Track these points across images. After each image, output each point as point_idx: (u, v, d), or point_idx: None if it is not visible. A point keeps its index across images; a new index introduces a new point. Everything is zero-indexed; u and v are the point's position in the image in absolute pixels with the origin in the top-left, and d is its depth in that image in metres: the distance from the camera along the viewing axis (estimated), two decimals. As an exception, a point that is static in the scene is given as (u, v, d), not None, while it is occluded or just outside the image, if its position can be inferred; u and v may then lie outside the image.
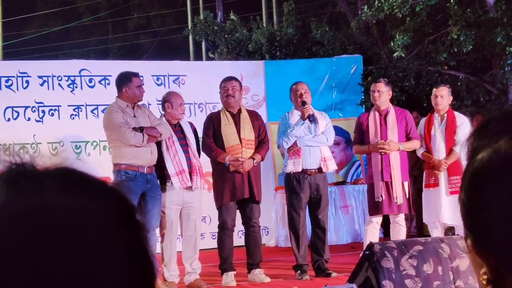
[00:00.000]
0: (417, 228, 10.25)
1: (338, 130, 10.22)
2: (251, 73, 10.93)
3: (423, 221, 8.75)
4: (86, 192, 0.80)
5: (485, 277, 0.90)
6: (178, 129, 8.01)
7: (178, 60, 12.72)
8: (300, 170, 8.12)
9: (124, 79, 7.80)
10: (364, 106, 11.39)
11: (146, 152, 7.61)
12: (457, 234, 7.26)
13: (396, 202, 8.05)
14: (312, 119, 8.17)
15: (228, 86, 8.15)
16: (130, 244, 0.80)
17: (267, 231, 10.81)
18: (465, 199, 0.92)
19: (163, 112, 8.16)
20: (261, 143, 8.15)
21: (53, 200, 0.78)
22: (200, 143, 8.15)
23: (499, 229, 0.87)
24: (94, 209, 0.79)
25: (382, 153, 8.10)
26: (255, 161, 8.01)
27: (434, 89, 8.54)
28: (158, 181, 7.76)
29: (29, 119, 9.81)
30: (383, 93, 8.21)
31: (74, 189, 0.80)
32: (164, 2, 27.42)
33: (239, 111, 8.16)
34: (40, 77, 9.94)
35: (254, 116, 8.29)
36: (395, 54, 11.11)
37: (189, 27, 16.99)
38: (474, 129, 0.96)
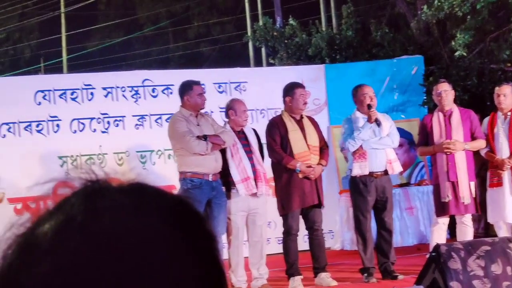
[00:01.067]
0: (484, 228, 10.13)
1: (400, 132, 10.12)
2: (311, 78, 10.93)
3: (488, 221, 8.65)
4: (159, 210, 0.82)
5: None
6: (242, 136, 8.07)
7: (238, 67, 12.79)
8: (366, 173, 8.10)
9: (186, 88, 7.90)
10: (426, 106, 11.30)
11: (210, 160, 7.69)
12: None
13: (463, 202, 7.98)
14: (377, 122, 8.16)
15: (305, 92, 8.20)
16: (204, 257, 0.82)
17: (332, 235, 10.80)
18: None
19: (226, 120, 8.23)
20: (323, 148, 8.16)
21: (128, 220, 0.80)
22: (264, 148, 8.19)
23: None
24: (168, 227, 0.81)
25: (448, 153, 8.04)
26: (323, 167, 8.04)
27: (497, 88, 8.43)
28: (223, 188, 7.84)
29: (94, 130, 9.96)
30: (447, 93, 8.16)
31: (148, 208, 0.82)
32: (223, 9, 27.60)
33: (301, 117, 8.18)
34: (104, 88, 10.09)
35: (314, 122, 8.32)
36: (456, 53, 11.01)
37: (249, 34, 17.09)
38: None
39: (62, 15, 26.79)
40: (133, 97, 10.20)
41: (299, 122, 8.11)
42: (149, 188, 0.84)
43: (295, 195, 7.90)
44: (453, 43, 11.02)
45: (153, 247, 0.79)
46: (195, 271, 0.81)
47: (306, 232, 8.25)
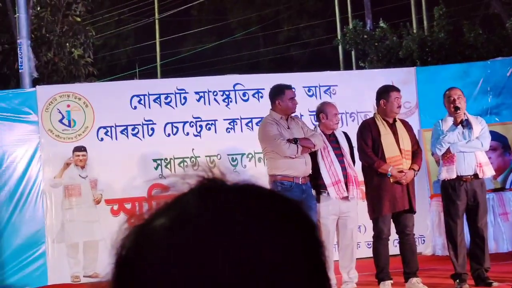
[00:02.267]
0: None
1: (494, 135, 9.94)
2: (402, 80, 10.80)
3: None
4: (274, 212, 0.84)
5: None
6: (332, 139, 8.06)
7: (328, 70, 12.76)
8: (454, 176, 7.96)
9: (277, 92, 7.94)
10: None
11: (300, 163, 7.71)
12: None
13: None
14: (465, 124, 8.00)
15: (399, 96, 8.11)
16: (315, 264, 0.84)
17: (423, 240, 10.65)
18: None
19: (316, 123, 8.23)
20: (415, 153, 8.06)
21: (243, 219, 0.82)
22: (355, 151, 8.15)
23: None
24: (283, 230, 0.83)
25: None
26: (415, 172, 7.95)
27: None
28: (313, 191, 7.84)
29: (187, 133, 10.17)
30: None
31: (263, 209, 0.84)
32: (313, 13, 27.60)
33: (394, 120, 8.10)
34: (196, 93, 10.28)
35: (407, 125, 8.22)
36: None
37: (339, 37, 17.04)
38: None
39: (157, 22, 27.31)
40: (224, 101, 10.34)
41: (392, 126, 8.03)
42: (263, 190, 0.87)
43: (386, 200, 7.83)
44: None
45: (268, 249, 0.80)
46: (307, 276, 0.82)
47: (397, 236, 8.17)
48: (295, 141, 7.68)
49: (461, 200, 7.96)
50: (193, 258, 0.79)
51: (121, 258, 0.84)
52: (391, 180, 7.84)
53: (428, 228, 10.59)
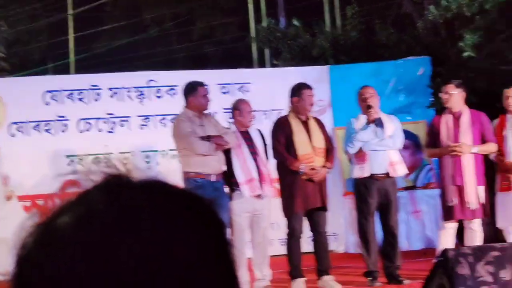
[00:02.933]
0: (493, 233, 10.01)
1: (406, 134, 10.03)
2: (315, 79, 10.83)
3: (496, 226, 8.53)
4: (180, 208, 0.82)
5: None
6: (247, 137, 8.02)
7: (242, 68, 12.74)
8: (367, 175, 8.02)
9: (191, 89, 7.89)
10: (434, 108, 11.19)
11: (213, 160, 7.67)
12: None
13: (469, 207, 7.86)
14: (378, 123, 8.06)
15: (312, 93, 8.11)
16: (221, 261, 0.82)
17: (336, 237, 10.73)
18: None
19: (231, 120, 8.19)
20: (328, 150, 8.09)
21: (149, 215, 0.80)
22: (268, 148, 8.12)
23: None
24: (190, 227, 0.81)
25: (454, 156, 7.92)
26: (328, 170, 7.97)
27: (506, 90, 8.33)
28: (227, 189, 7.81)
29: (100, 130, 10.15)
30: (453, 95, 8.04)
31: (169, 205, 0.82)
32: (227, 11, 27.60)
33: (307, 118, 8.11)
34: (110, 89, 10.26)
35: (321, 123, 8.25)
36: (464, 54, 10.90)
37: (252, 35, 17.02)
38: None
39: (70, 17, 26.92)
40: (138, 98, 10.31)
41: (305, 123, 8.05)
42: (170, 187, 0.85)
43: (298, 197, 7.85)
44: (461, 43, 10.91)
45: (175, 247, 0.80)
46: (214, 273, 0.81)
47: (310, 234, 8.19)
48: (208, 138, 7.62)
49: (373, 198, 8.03)
50: (98, 255, 0.78)
51: (23, 256, 0.82)
52: (304, 177, 7.84)
53: (341, 226, 10.67)
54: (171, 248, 0.79)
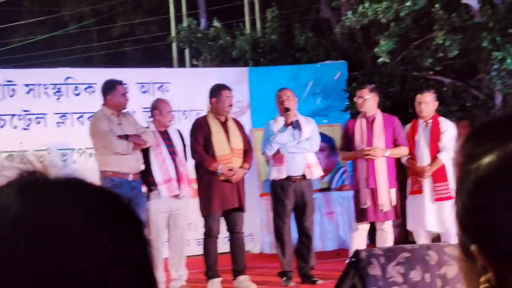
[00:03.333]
0: (403, 235, 10.25)
1: (322, 136, 10.18)
2: (235, 80, 10.90)
3: (407, 228, 8.73)
4: (97, 206, 0.81)
5: (487, 285, 0.89)
6: (166, 137, 8.01)
7: (162, 67, 12.70)
8: (284, 177, 8.12)
9: (109, 87, 7.81)
10: (349, 112, 11.40)
11: (131, 160, 7.62)
12: (444, 241, 7.28)
13: (382, 209, 8.04)
14: (295, 125, 8.17)
15: (230, 94, 8.14)
16: (135, 258, 0.81)
17: (252, 238, 10.80)
18: (469, 204, 0.90)
19: (150, 119, 8.16)
20: (246, 152, 8.15)
21: (65, 212, 0.79)
22: (187, 149, 8.13)
23: (507, 234, 0.86)
24: (102, 222, 0.80)
25: (368, 160, 8.09)
26: (245, 170, 8.03)
27: (418, 95, 8.50)
28: (145, 188, 7.77)
29: (15, 127, 9.88)
30: (367, 99, 8.20)
31: (85, 203, 0.81)
32: (148, 10, 27.42)
33: (226, 119, 8.15)
34: (26, 85, 9.99)
35: (239, 124, 8.30)
36: (379, 60, 11.13)
37: (173, 35, 16.98)
38: (471, 133, 0.94)
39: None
40: (55, 95, 10.10)
41: (224, 124, 8.08)
42: (87, 183, 0.84)
43: (216, 198, 7.88)
44: (376, 49, 11.14)
45: (91, 244, 0.78)
46: (129, 273, 0.80)
47: (227, 234, 8.23)
48: (126, 137, 7.58)
49: (289, 200, 8.13)
50: (8, 251, 0.76)
51: None
52: (221, 178, 7.88)
53: (257, 227, 10.75)
54: (86, 246, 0.78)
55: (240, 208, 8.03)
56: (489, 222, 0.88)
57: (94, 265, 0.77)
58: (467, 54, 11.28)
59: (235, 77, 11.12)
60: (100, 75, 9.50)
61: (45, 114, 9.99)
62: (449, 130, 8.28)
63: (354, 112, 10.31)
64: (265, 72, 11.65)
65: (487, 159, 0.89)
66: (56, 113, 10.04)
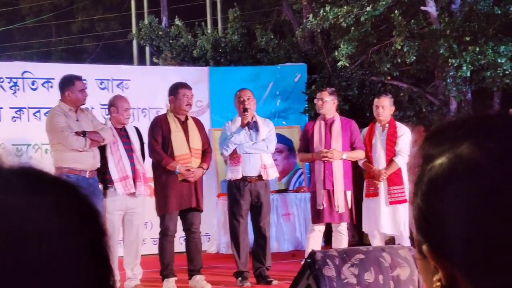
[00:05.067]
0: (358, 237, 10.34)
1: (281, 138, 10.26)
2: (195, 79, 10.90)
3: (363, 230, 8.81)
4: (52, 193, 0.80)
5: (438, 284, 0.90)
6: (123, 134, 7.95)
7: (122, 64, 12.64)
8: (239, 177, 8.13)
9: (67, 83, 7.74)
10: (308, 114, 11.46)
11: (88, 157, 7.56)
12: (398, 244, 7.35)
13: (338, 211, 8.09)
14: (252, 126, 8.18)
15: (189, 93, 8.12)
16: (94, 251, 0.81)
17: (209, 238, 10.80)
18: (422, 205, 0.92)
19: (108, 116, 8.11)
20: (205, 152, 8.14)
21: (19, 199, 0.78)
22: (146, 147, 8.09)
23: (459, 234, 0.87)
24: (59, 211, 0.79)
25: (325, 162, 8.14)
26: (204, 170, 8.02)
27: (376, 99, 8.59)
28: (101, 185, 7.72)
29: (-30, 121, 9.70)
30: (326, 102, 8.25)
31: (41, 190, 0.79)
32: (109, 6, 27.24)
33: (186, 118, 8.13)
34: (-18, 78, 9.82)
35: (199, 124, 8.28)
36: (339, 64, 11.22)
37: (134, 32, 16.91)
38: (428, 136, 0.96)
39: None
40: (11, 89, 9.96)
41: (184, 124, 8.06)
42: (43, 173, 0.82)
43: (173, 197, 7.86)
44: (336, 53, 11.22)
45: (47, 235, 0.77)
46: (85, 264, 0.79)
47: (183, 234, 8.22)
48: (83, 134, 7.52)
49: (245, 200, 8.14)
50: None
51: None
52: (179, 178, 7.86)
53: (214, 227, 10.75)
54: (41, 235, 0.76)
55: (198, 208, 8.02)
56: (439, 223, 0.89)
57: (49, 254, 0.76)
58: (424, 60, 11.42)
59: (196, 76, 11.12)
60: (58, 70, 9.41)
61: (1, 108, 9.85)
62: (405, 135, 8.38)
63: (313, 114, 10.38)
64: (225, 72, 11.66)
65: (439, 161, 0.90)
66: (11, 108, 9.91)
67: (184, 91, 8.06)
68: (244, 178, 8.14)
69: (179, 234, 8.32)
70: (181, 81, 8.69)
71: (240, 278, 8.15)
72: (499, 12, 10.56)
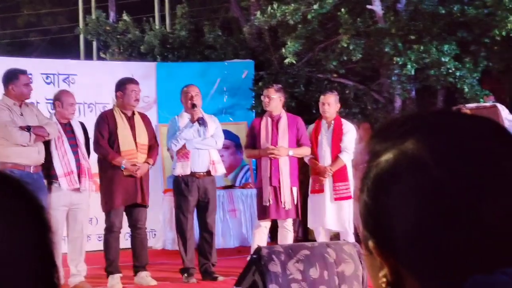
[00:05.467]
0: (303, 233, 10.40)
1: (228, 134, 10.28)
2: (143, 75, 10.85)
3: (308, 226, 8.87)
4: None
5: (384, 279, 0.91)
6: (68, 129, 7.88)
7: (68, 59, 12.51)
8: (188, 173, 8.12)
9: (11, 77, 7.63)
10: (254, 111, 11.49)
11: (32, 152, 7.47)
12: (343, 240, 7.42)
13: (284, 207, 8.13)
14: (201, 122, 8.19)
15: (137, 88, 8.07)
16: (37, 244, 0.81)
17: (155, 234, 10.76)
18: (368, 201, 0.92)
19: (53, 111, 8.03)
20: (152, 147, 8.11)
21: None
22: (91, 142, 8.03)
23: (402, 230, 0.88)
24: (3, 206, 0.80)
25: (272, 158, 8.18)
26: (149, 166, 7.99)
27: (322, 96, 8.66)
28: (45, 181, 7.63)
29: None
30: (273, 99, 8.28)
31: None
32: (56, 0, 26.93)
33: (133, 113, 8.09)
34: None
35: (146, 119, 8.25)
36: (286, 61, 11.27)
37: (81, 26, 16.76)
38: (374, 132, 0.96)
39: None
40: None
41: (130, 119, 8.02)
42: None
43: (119, 193, 7.82)
44: (283, 50, 11.27)
45: None
46: (29, 260, 0.79)
47: (129, 230, 8.18)
48: (28, 128, 7.42)
49: (192, 196, 8.14)
50: None
51: None
52: (125, 173, 7.82)
53: (160, 223, 10.72)
54: None
55: (143, 204, 7.99)
56: (385, 219, 0.90)
57: None
58: (369, 58, 11.54)
59: (143, 72, 11.07)
60: (3, 64, 9.27)
61: None
62: (350, 132, 8.47)
63: (260, 111, 10.42)
64: (173, 68, 11.64)
65: (385, 157, 0.91)
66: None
67: (132, 87, 8.03)
68: (193, 174, 8.14)
69: (125, 230, 8.28)
70: (128, 76, 8.64)
71: (186, 274, 8.14)
72: (444, 11, 10.72)
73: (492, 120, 0.92)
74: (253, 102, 11.56)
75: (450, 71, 10.64)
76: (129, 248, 8.21)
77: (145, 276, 7.97)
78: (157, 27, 14.80)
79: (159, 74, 11.34)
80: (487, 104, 10.37)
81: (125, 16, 14.37)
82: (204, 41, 13.35)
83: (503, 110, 9.79)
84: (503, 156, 0.88)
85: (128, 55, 13.71)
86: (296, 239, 8.57)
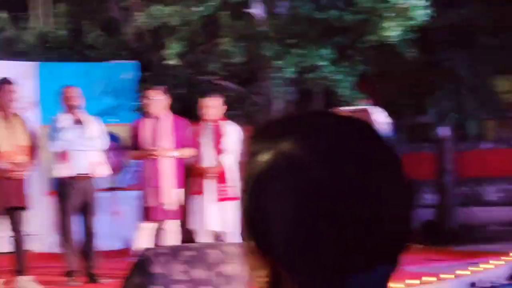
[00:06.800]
0: (188, 234, 10.46)
1: (111, 136, 10.23)
2: (23, 75, 10.65)
3: (188, 227, 8.95)
4: None
5: (265, 279, 0.92)
6: None
7: None
8: (68, 174, 8.07)
9: None
10: (139, 112, 11.46)
11: None
12: (227, 241, 7.57)
13: (167, 209, 8.19)
14: (81, 123, 8.15)
15: (13, 89, 7.94)
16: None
17: (38, 237, 10.58)
18: (248, 201, 0.93)
19: None
20: (32, 148, 8.03)
21: None
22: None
23: (280, 231, 0.88)
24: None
25: (154, 159, 8.21)
26: (29, 167, 7.90)
27: (201, 99, 8.73)
28: None
29: None
30: (154, 100, 8.34)
31: None
32: None
33: (11, 114, 7.98)
34: None
35: (25, 121, 8.15)
36: (167, 62, 11.30)
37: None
38: (253, 133, 0.97)
39: None
40: None
41: (8, 120, 7.91)
42: None
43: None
44: (165, 51, 11.31)
45: None
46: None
47: (10, 233, 8.06)
48: None
49: (74, 198, 8.09)
50: None
51: None
52: (3, 175, 7.72)
53: (43, 225, 10.55)
54: None
55: (23, 207, 7.89)
56: (263, 219, 0.90)
57: None
58: (250, 61, 11.70)
59: (24, 72, 10.86)
60: None
61: None
62: (232, 133, 8.60)
63: (144, 112, 10.42)
64: (55, 68, 11.46)
65: (263, 157, 0.91)
66: None
67: (8, 87, 7.93)
68: (73, 176, 8.10)
69: (7, 234, 8.15)
70: (8, 76, 8.52)
71: (69, 277, 8.10)
72: (320, 17, 10.97)
73: (366, 122, 0.94)
74: (138, 103, 11.54)
75: (328, 75, 10.90)
76: (11, 252, 8.07)
77: (28, 280, 7.88)
78: (35, 25, 14.51)
79: (42, 75, 11.16)
80: (360, 107, 10.73)
81: (1, 13, 14.03)
82: (84, 41, 13.21)
83: (374, 113, 10.17)
84: (380, 157, 0.91)
85: (6, 54, 13.40)
86: (180, 240, 8.63)
